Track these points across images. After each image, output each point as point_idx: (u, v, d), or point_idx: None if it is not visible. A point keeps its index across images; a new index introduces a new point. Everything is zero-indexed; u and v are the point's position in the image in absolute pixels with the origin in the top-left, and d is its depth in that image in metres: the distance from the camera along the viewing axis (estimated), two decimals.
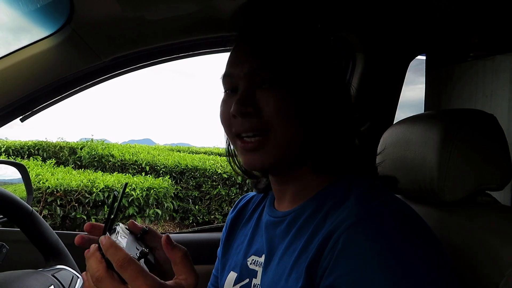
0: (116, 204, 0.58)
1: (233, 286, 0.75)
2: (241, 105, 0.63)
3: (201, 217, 6.12)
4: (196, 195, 6.27)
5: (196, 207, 6.18)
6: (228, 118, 0.67)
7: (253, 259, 0.74)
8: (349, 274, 0.50)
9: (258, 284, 0.70)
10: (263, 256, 0.71)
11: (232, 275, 0.77)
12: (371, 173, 0.69)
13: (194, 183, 6.36)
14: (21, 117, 1.01)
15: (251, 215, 0.85)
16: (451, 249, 0.71)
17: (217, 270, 0.90)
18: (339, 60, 0.71)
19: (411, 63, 1.40)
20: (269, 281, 0.65)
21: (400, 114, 1.35)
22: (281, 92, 0.63)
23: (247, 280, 0.73)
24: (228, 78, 0.68)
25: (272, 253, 0.68)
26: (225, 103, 0.69)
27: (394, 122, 1.16)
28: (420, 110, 2.19)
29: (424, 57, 2.02)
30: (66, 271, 0.94)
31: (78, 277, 0.95)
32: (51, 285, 0.84)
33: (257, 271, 0.71)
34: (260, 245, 0.74)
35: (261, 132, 0.64)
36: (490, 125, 0.78)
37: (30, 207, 0.94)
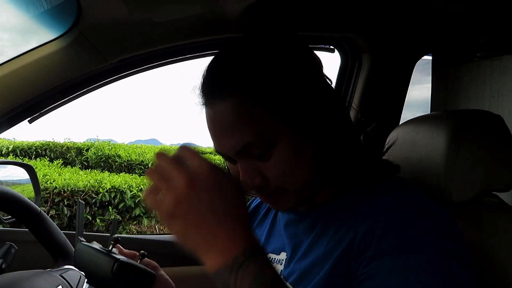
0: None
1: None
2: (249, 179, 0.61)
3: None
4: None
5: None
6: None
7: (270, 257, 0.74)
8: (391, 252, 0.52)
9: None
10: (282, 253, 0.72)
11: None
12: (387, 171, 0.70)
13: None
14: (29, 118, 1.02)
15: (265, 214, 0.85)
16: None
17: None
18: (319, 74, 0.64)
19: (417, 63, 1.40)
20: (298, 275, 0.65)
21: (407, 114, 1.35)
22: (285, 155, 0.60)
23: None
24: (221, 155, 0.65)
25: (298, 248, 0.69)
26: (233, 171, 0.66)
27: (400, 123, 1.16)
28: (427, 109, 2.18)
29: (430, 57, 2.01)
30: (74, 271, 0.95)
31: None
32: (59, 285, 0.85)
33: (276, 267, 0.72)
34: (278, 244, 0.75)
35: (279, 195, 0.63)
36: (497, 126, 0.77)
37: (38, 208, 0.95)
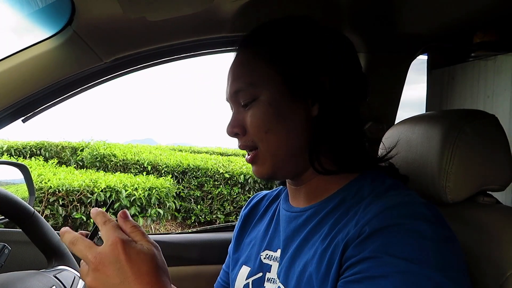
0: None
1: (246, 279, 0.76)
2: (230, 127, 0.71)
3: (203, 216, 6.12)
4: (198, 194, 6.27)
5: (198, 206, 6.18)
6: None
7: (267, 254, 0.75)
8: (387, 246, 0.52)
9: (272, 278, 0.71)
10: (278, 250, 0.72)
11: (245, 270, 0.78)
12: (387, 170, 0.71)
13: (196, 183, 6.36)
14: (22, 118, 1.02)
15: (265, 211, 0.86)
16: None
17: (227, 266, 0.91)
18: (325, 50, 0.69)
19: (413, 62, 1.40)
20: (288, 273, 0.66)
21: (403, 114, 1.35)
22: (262, 107, 0.67)
23: (261, 274, 0.74)
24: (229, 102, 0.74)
25: (289, 246, 0.69)
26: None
27: (396, 122, 1.16)
28: (423, 108, 2.19)
29: (425, 57, 2.02)
30: (68, 271, 0.94)
31: (80, 278, 0.95)
32: (53, 285, 0.84)
33: (271, 265, 0.72)
34: (275, 240, 0.76)
35: (251, 149, 0.70)
36: (492, 126, 0.77)
37: (32, 208, 0.95)
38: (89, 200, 4.69)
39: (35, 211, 0.95)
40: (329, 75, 0.66)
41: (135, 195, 4.87)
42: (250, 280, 0.75)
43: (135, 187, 4.97)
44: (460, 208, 0.76)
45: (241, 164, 6.61)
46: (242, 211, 0.93)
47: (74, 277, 0.93)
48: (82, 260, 0.54)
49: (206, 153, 8.71)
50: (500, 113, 1.62)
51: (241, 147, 0.72)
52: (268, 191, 0.93)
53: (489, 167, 0.76)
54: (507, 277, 0.62)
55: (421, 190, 0.80)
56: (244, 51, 0.71)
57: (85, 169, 6.36)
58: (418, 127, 0.82)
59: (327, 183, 0.70)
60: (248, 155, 0.71)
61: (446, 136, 0.74)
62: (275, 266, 0.71)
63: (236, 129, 0.70)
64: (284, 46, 0.67)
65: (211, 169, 6.37)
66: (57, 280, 0.87)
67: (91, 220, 4.53)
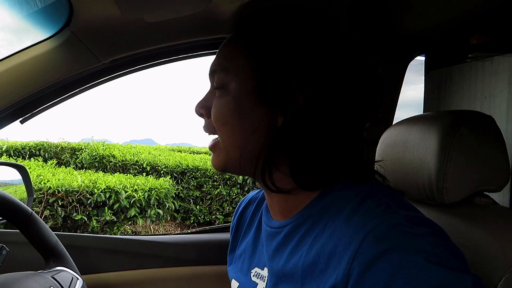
0: None
1: None
2: (198, 106, 0.68)
3: (202, 217, 6.12)
4: (197, 195, 6.27)
5: (197, 207, 6.18)
6: None
7: (256, 271, 0.73)
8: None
9: None
10: (265, 269, 0.69)
11: (235, 284, 0.77)
12: (366, 177, 0.62)
13: (195, 183, 6.36)
14: (21, 119, 1.02)
15: (251, 219, 0.83)
16: None
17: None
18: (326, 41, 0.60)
19: (412, 63, 1.40)
20: None
21: (403, 114, 1.36)
22: (226, 98, 0.63)
23: None
24: None
25: (273, 268, 0.66)
26: None
27: (394, 123, 1.16)
28: (422, 109, 2.19)
29: (423, 58, 2.02)
30: (65, 272, 0.94)
31: (78, 279, 0.95)
32: (51, 286, 0.84)
33: (258, 283, 0.70)
34: (261, 257, 0.73)
35: (214, 134, 0.67)
36: (489, 127, 0.78)
37: (30, 209, 0.95)
38: (88, 201, 4.68)
39: (33, 212, 0.95)
40: (305, 93, 0.57)
41: (134, 196, 4.87)
42: None
43: (134, 188, 4.97)
44: (457, 208, 0.76)
45: None
46: (232, 222, 0.89)
47: (72, 278, 0.93)
48: None
49: (205, 153, 8.72)
50: (497, 114, 1.62)
51: (204, 129, 0.69)
52: (254, 193, 0.88)
53: (485, 168, 0.76)
54: (505, 278, 0.63)
55: (418, 191, 0.81)
56: (236, 35, 0.67)
57: (84, 169, 6.35)
58: (415, 128, 0.83)
59: (296, 195, 0.63)
60: (210, 142, 0.68)
61: (443, 137, 0.75)
62: (261, 285, 0.69)
63: (202, 110, 0.67)
64: (267, 44, 0.60)
65: (210, 169, 6.36)
66: (54, 281, 0.87)
67: (93, 221, 4.56)
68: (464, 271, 0.47)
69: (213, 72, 0.67)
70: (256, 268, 0.73)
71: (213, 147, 0.67)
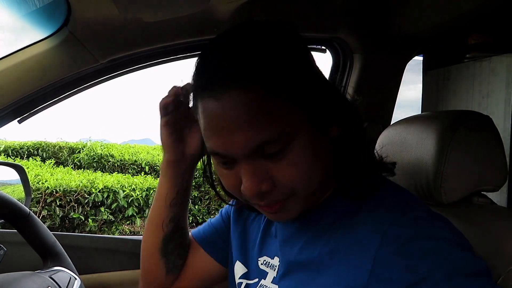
0: None
1: (239, 278, 0.75)
2: (256, 183, 0.53)
3: (201, 217, 6.12)
4: (196, 195, 6.26)
5: (196, 207, 6.17)
6: (239, 190, 0.56)
7: (265, 260, 0.72)
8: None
9: (265, 286, 0.68)
10: (276, 258, 0.69)
11: (240, 267, 0.76)
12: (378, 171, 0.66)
13: (194, 183, 6.36)
14: (18, 118, 1.01)
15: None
16: None
17: (216, 224, 0.90)
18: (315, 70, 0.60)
19: (410, 63, 1.40)
20: (290, 283, 0.64)
21: (401, 114, 1.36)
22: (300, 154, 0.54)
23: (256, 280, 0.71)
24: (219, 157, 0.56)
25: (287, 257, 0.66)
26: (227, 178, 0.59)
27: (392, 123, 1.16)
28: (419, 109, 2.19)
29: (421, 58, 2.03)
30: (63, 272, 0.94)
31: (76, 279, 0.95)
32: (48, 286, 0.84)
33: (268, 272, 0.70)
34: (272, 246, 0.72)
35: (281, 200, 0.57)
36: (486, 126, 0.78)
37: (28, 209, 0.94)
38: (86, 201, 4.68)
39: (31, 211, 0.95)
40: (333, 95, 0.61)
41: (132, 195, 4.87)
42: (244, 282, 0.73)
43: (132, 187, 4.97)
44: (455, 208, 0.77)
45: None
46: (233, 206, 0.86)
47: (70, 278, 0.93)
48: None
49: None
50: (495, 114, 1.63)
51: (268, 203, 0.57)
52: None
53: (483, 168, 0.76)
54: (502, 278, 0.63)
55: (416, 191, 0.81)
56: (244, 91, 0.50)
57: (82, 169, 6.34)
58: (413, 128, 0.83)
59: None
60: (271, 208, 0.58)
61: (441, 137, 0.75)
62: (271, 274, 0.68)
63: (265, 185, 0.54)
64: (298, 76, 0.54)
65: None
66: (52, 281, 0.87)
67: (89, 221, 4.55)
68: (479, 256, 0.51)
69: (262, 144, 0.52)
70: (265, 257, 0.72)
71: (282, 208, 0.58)
